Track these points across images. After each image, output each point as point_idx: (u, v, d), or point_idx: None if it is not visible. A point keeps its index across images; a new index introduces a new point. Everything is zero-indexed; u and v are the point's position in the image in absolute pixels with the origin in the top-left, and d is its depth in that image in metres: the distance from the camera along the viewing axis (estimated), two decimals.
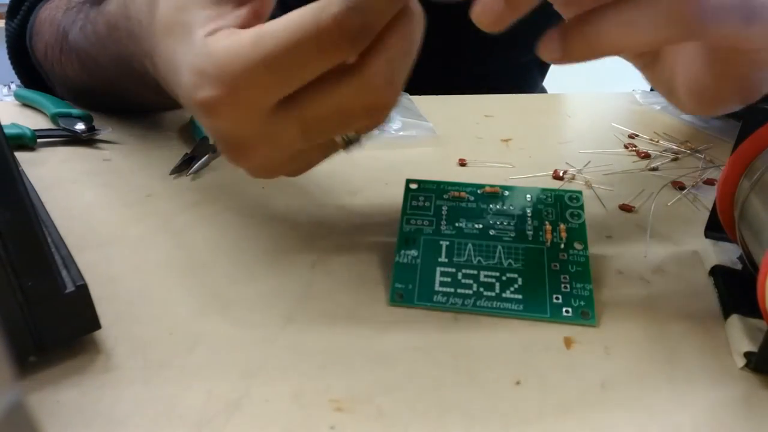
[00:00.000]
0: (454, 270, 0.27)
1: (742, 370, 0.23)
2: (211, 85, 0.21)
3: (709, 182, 0.38)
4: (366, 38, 0.20)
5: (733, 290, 0.27)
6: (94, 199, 0.34)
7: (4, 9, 0.53)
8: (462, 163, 0.40)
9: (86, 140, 0.41)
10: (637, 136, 0.45)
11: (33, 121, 0.43)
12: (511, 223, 0.29)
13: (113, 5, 0.35)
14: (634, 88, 0.56)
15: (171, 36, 0.24)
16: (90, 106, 0.44)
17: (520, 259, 0.28)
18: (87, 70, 0.42)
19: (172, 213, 0.33)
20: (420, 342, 0.25)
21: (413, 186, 0.31)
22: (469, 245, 0.28)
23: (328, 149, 0.25)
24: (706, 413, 0.22)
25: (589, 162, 0.40)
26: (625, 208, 0.35)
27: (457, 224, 0.29)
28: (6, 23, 0.51)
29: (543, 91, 0.74)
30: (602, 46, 0.21)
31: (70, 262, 0.23)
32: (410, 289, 0.27)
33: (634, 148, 0.43)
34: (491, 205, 0.30)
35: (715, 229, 0.30)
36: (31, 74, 0.50)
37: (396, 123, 0.44)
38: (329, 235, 0.31)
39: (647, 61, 0.27)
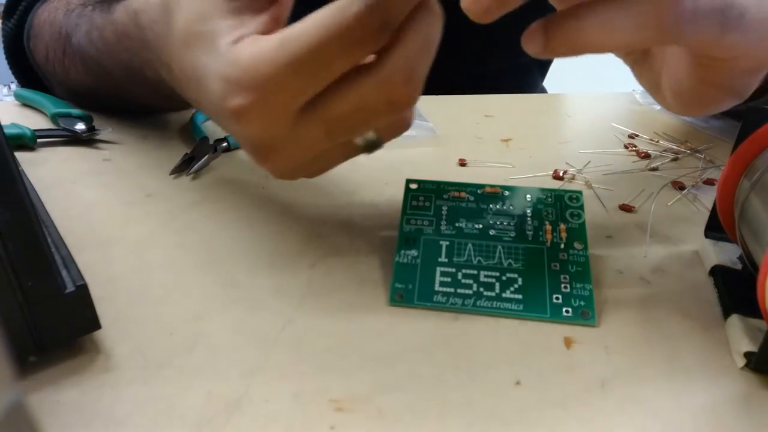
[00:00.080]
0: (454, 270, 0.27)
1: (742, 370, 0.23)
2: (242, 92, 0.22)
3: (709, 182, 0.38)
4: (387, 34, 0.21)
5: (733, 290, 0.27)
6: (94, 199, 0.34)
7: (0, 9, 0.53)
8: (462, 163, 0.40)
9: (86, 140, 0.41)
10: (637, 136, 0.45)
11: (33, 121, 0.43)
12: (511, 223, 0.29)
13: (120, 13, 0.35)
14: (634, 88, 0.56)
15: (193, 47, 0.25)
16: (92, 107, 0.44)
17: (520, 259, 0.28)
18: (92, 73, 0.42)
19: (172, 213, 0.33)
20: (420, 342, 0.25)
21: (413, 186, 0.31)
22: (469, 245, 0.28)
23: (349, 150, 0.26)
24: (706, 413, 0.22)
25: (589, 162, 0.40)
26: (625, 208, 0.35)
27: (457, 224, 0.29)
28: (2, 23, 0.51)
29: (543, 91, 0.74)
30: (582, 44, 0.21)
31: (70, 262, 0.23)
32: (410, 289, 0.27)
33: (634, 148, 0.43)
34: (491, 205, 0.30)
35: (715, 229, 0.30)
36: (29, 74, 0.50)
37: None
38: (329, 235, 0.31)
39: (637, 58, 0.28)
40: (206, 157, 0.37)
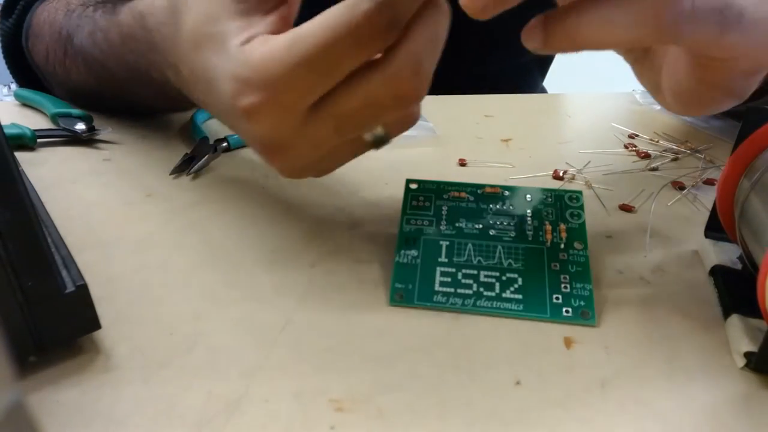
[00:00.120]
0: (454, 270, 0.27)
1: (742, 370, 0.23)
2: (253, 91, 0.22)
3: (709, 182, 0.38)
4: (396, 32, 0.21)
5: (733, 290, 0.27)
6: (94, 199, 0.34)
7: None
8: (462, 163, 0.40)
9: (86, 140, 0.41)
10: (637, 136, 0.45)
11: (33, 121, 0.43)
12: (511, 223, 0.29)
13: (126, 15, 0.35)
14: (634, 88, 0.56)
15: (203, 48, 0.25)
16: (93, 107, 0.44)
17: (520, 259, 0.28)
18: (94, 74, 0.42)
19: (172, 213, 0.33)
20: (420, 342, 0.25)
21: (413, 186, 0.31)
22: (469, 245, 0.28)
23: (358, 146, 0.26)
24: (706, 413, 0.22)
25: (589, 162, 0.40)
26: (625, 208, 0.35)
27: (457, 224, 0.29)
28: (0, 23, 0.51)
29: (543, 91, 0.74)
30: (581, 40, 0.21)
31: (70, 262, 0.23)
32: (410, 289, 0.27)
33: (634, 148, 0.43)
34: (491, 205, 0.30)
35: (715, 229, 0.30)
36: (27, 74, 0.50)
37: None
38: (329, 235, 0.31)
39: (637, 56, 0.28)
40: (206, 157, 0.37)
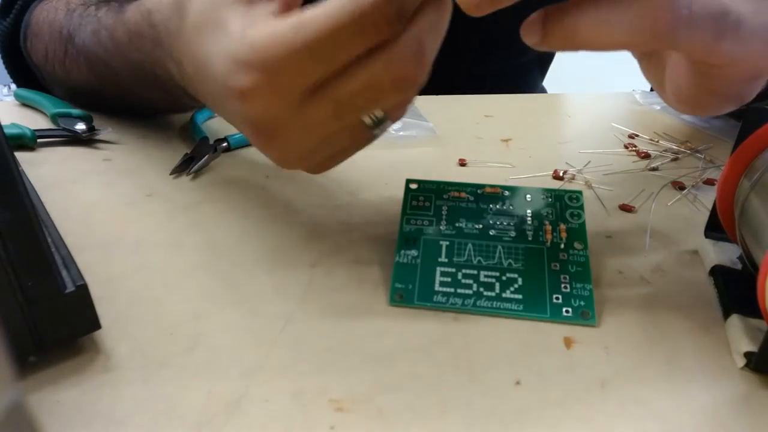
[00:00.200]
0: (454, 270, 0.27)
1: (742, 370, 0.23)
2: (249, 71, 0.22)
3: (709, 182, 0.38)
4: (402, 22, 0.21)
5: (733, 290, 0.27)
6: (94, 199, 0.34)
7: None
8: (462, 163, 0.40)
9: (86, 140, 0.41)
10: (637, 136, 0.45)
11: (33, 121, 0.43)
12: (511, 223, 0.29)
13: (133, 13, 0.35)
14: (634, 88, 0.56)
15: (203, 33, 0.25)
16: (93, 107, 0.44)
17: (520, 259, 0.28)
18: (96, 73, 0.42)
19: (172, 213, 0.33)
20: (420, 342, 0.25)
21: (413, 186, 0.31)
22: (469, 245, 0.28)
23: (356, 133, 0.25)
24: (706, 413, 0.22)
25: (589, 162, 0.40)
26: (625, 208, 0.35)
27: (457, 224, 0.29)
28: None
29: (543, 91, 0.74)
30: (578, 40, 0.21)
31: (70, 262, 0.23)
32: (410, 289, 0.27)
33: (634, 148, 0.43)
34: (491, 205, 0.30)
35: (715, 229, 0.30)
36: (25, 74, 0.50)
37: (396, 123, 0.43)
38: (329, 234, 0.31)
39: (644, 53, 0.27)
40: (206, 157, 0.37)
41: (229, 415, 0.21)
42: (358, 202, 0.35)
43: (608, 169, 0.40)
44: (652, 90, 0.53)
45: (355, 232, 0.32)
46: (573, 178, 0.38)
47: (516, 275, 0.27)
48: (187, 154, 0.38)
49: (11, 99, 0.49)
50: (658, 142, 0.44)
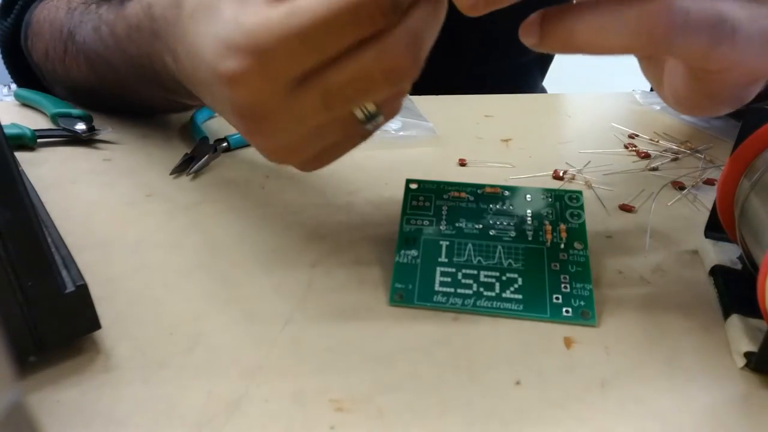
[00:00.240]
0: (454, 270, 0.27)
1: (742, 370, 0.23)
2: (240, 56, 0.22)
3: (709, 182, 0.38)
4: (398, 13, 0.21)
5: (733, 290, 0.27)
6: (94, 199, 0.34)
7: None
8: (462, 163, 0.40)
9: (86, 140, 0.41)
10: (637, 136, 0.45)
11: (33, 121, 0.43)
12: (511, 223, 0.29)
13: (134, 8, 0.35)
14: (634, 88, 0.56)
15: (197, 20, 0.25)
16: (92, 106, 0.44)
17: (520, 259, 0.28)
18: (95, 71, 0.42)
19: (172, 213, 0.33)
20: (420, 342, 0.25)
21: (413, 186, 0.31)
22: (469, 245, 0.28)
23: (347, 127, 0.25)
24: (706, 413, 0.22)
25: (589, 162, 0.40)
26: (625, 208, 0.35)
27: (457, 224, 0.29)
28: None
29: (543, 91, 0.74)
30: (575, 43, 0.21)
31: (70, 262, 0.23)
32: (410, 289, 0.27)
33: (634, 148, 0.43)
34: (491, 205, 0.30)
35: (715, 229, 0.30)
36: (25, 74, 0.50)
37: (396, 123, 0.44)
38: (329, 235, 0.31)
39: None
40: (206, 157, 0.37)
41: (229, 415, 0.21)
42: (358, 202, 0.35)
43: (608, 169, 0.40)
44: (652, 90, 0.53)
45: (355, 232, 0.32)
46: (573, 178, 0.38)
47: (516, 275, 0.27)
48: (187, 154, 0.38)
49: (11, 99, 0.49)
50: (658, 142, 0.44)
